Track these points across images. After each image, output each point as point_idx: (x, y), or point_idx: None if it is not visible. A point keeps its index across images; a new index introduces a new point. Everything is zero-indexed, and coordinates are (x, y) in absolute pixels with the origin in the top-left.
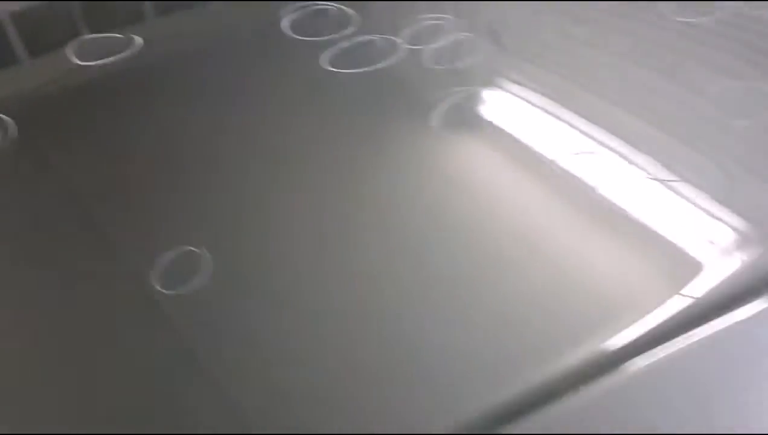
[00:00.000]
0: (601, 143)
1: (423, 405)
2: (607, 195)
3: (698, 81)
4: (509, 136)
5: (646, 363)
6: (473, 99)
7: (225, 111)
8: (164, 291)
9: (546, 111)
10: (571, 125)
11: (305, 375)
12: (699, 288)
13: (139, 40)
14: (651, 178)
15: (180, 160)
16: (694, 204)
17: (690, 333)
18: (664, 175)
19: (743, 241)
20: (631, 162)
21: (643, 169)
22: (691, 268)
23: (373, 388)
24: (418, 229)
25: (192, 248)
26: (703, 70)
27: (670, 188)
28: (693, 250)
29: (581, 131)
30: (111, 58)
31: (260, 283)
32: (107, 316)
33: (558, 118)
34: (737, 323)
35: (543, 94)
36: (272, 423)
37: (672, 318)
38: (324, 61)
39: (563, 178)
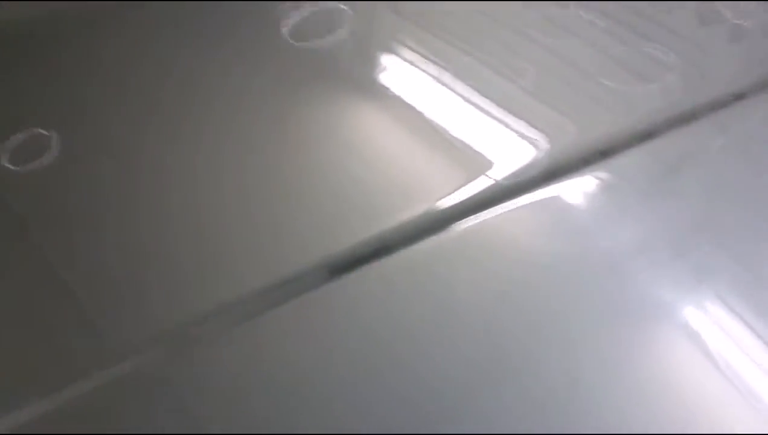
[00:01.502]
0: (433, 76)
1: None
2: (425, 111)
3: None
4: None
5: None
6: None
7: None
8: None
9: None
10: (413, 63)
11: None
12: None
13: None
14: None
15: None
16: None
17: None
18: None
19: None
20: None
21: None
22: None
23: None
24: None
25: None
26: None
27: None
28: (489, 150)
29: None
30: None
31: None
32: None
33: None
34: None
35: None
36: (96, 294)
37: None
38: None
39: (394, 101)
